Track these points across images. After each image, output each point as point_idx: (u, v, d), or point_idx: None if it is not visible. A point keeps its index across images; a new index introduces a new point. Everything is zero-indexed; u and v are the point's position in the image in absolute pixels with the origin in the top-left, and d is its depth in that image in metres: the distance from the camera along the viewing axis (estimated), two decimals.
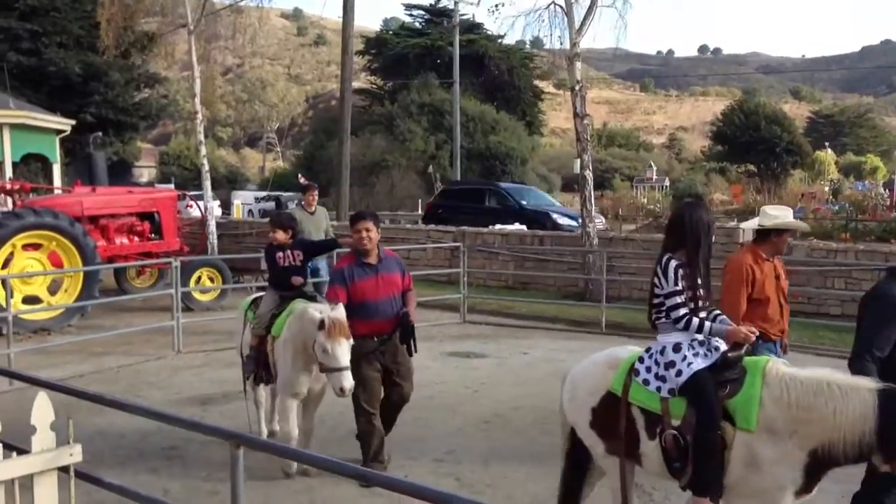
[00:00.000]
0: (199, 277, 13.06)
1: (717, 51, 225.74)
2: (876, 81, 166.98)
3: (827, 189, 43.19)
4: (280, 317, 5.81)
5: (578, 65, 14.10)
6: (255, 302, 6.23)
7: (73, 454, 3.52)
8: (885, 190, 35.24)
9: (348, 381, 5.13)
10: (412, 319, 5.74)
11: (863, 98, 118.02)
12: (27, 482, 3.40)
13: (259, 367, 5.95)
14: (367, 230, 5.74)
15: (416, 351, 5.87)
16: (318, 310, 5.32)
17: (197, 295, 12.81)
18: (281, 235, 6.19)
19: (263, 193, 38.18)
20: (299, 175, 31.27)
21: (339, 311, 5.23)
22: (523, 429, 6.81)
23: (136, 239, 13.22)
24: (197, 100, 17.48)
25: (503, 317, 12.68)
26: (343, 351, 5.13)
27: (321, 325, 5.13)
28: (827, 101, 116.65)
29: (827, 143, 61.20)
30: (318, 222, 11.01)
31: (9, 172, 14.54)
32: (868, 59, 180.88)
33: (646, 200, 40.94)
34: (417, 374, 8.73)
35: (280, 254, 6.16)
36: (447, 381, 8.50)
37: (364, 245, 5.75)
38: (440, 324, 12.00)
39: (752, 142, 45.62)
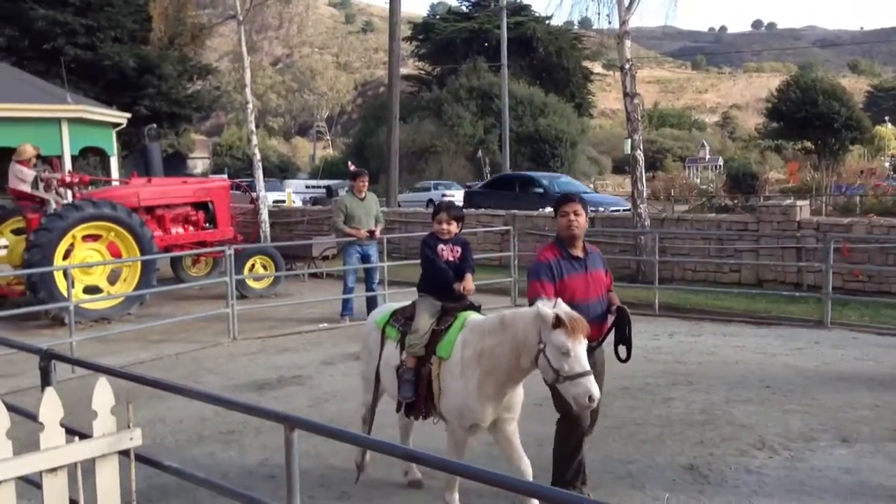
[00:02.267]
0: (253, 265, 13.26)
1: (771, 25, 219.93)
2: None
3: (887, 165, 41.91)
4: (449, 333, 4.66)
5: (628, 43, 13.88)
6: (396, 315, 5.09)
7: (134, 438, 3.60)
8: None
9: (596, 386, 4.15)
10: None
11: None
12: (89, 466, 3.49)
13: (419, 396, 4.73)
14: (576, 213, 4.88)
15: (630, 356, 5.07)
16: (546, 305, 4.24)
17: (251, 282, 13.01)
18: (454, 228, 5.08)
19: (313, 182, 38.54)
20: (349, 162, 31.50)
21: (566, 306, 4.30)
22: None
23: (191, 228, 13.45)
24: (247, 90, 17.69)
25: None
26: (584, 351, 4.20)
27: (557, 322, 4.11)
28: (887, 74, 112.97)
29: (887, 118, 59.36)
30: (369, 208, 11.08)
31: (68, 166, 14.90)
32: None
33: (699, 181, 40.27)
34: None
35: (443, 246, 5.03)
36: None
37: (572, 231, 4.89)
38: (491, 308, 11.92)
39: (809, 118, 44.39)
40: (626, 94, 13.96)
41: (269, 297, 12.94)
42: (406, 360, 4.80)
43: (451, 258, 5.02)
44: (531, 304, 4.48)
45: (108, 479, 3.57)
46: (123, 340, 9.82)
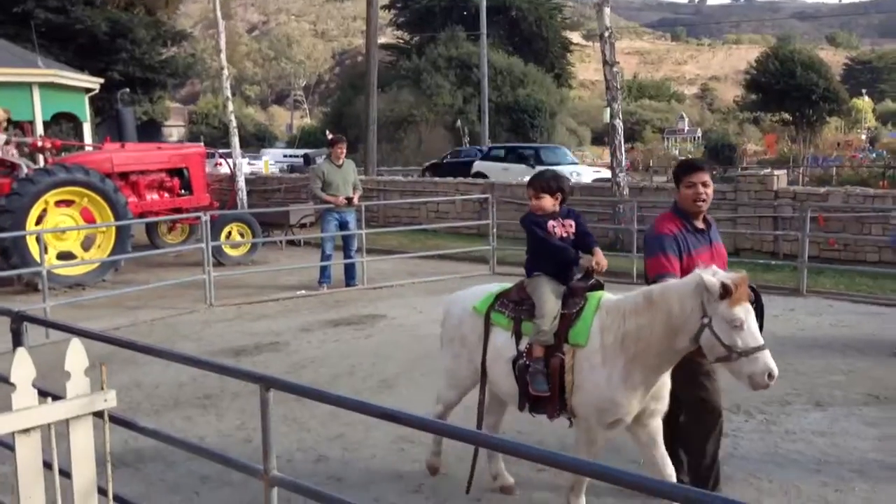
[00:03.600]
0: (230, 232, 13.15)
1: None
2: None
3: (864, 137, 42.27)
4: (583, 317, 4.07)
5: (607, 10, 13.78)
6: (502, 299, 4.44)
7: (108, 399, 3.54)
8: None
9: (772, 361, 3.68)
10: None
11: None
12: (63, 429, 3.45)
13: (553, 387, 4.09)
14: (705, 185, 4.44)
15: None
16: (706, 273, 3.73)
17: (227, 249, 12.91)
18: (548, 202, 4.41)
19: (291, 151, 38.23)
20: (327, 131, 31.27)
21: (725, 273, 3.81)
22: None
23: (166, 195, 13.29)
24: (222, 56, 17.42)
25: None
26: (756, 323, 3.75)
27: (725, 291, 3.62)
28: (864, 46, 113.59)
29: (864, 91, 59.79)
30: (346, 175, 11.00)
31: (39, 131, 14.62)
32: None
33: (677, 152, 40.40)
34: None
35: (553, 222, 4.39)
36: None
37: (699, 206, 4.44)
38: (470, 276, 11.96)
39: (787, 90, 44.56)
40: (605, 63, 13.89)
41: (246, 265, 12.86)
42: (532, 350, 4.13)
43: (564, 234, 4.37)
44: (653, 281, 4.11)
45: (82, 441, 3.52)
46: (98, 307, 9.72)
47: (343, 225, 11.05)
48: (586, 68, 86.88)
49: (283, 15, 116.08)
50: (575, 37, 65.47)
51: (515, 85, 42.02)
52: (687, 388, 4.24)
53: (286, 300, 10.41)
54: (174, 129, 55.20)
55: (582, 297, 4.16)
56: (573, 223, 4.44)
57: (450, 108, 39.77)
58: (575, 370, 4.01)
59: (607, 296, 4.15)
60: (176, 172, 13.48)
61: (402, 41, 53.39)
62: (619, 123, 14.04)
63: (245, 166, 21.43)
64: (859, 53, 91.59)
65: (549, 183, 4.43)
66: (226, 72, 17.68)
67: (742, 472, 4.89)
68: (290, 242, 14.98)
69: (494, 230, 12.47)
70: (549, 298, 4.17)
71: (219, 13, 17.25)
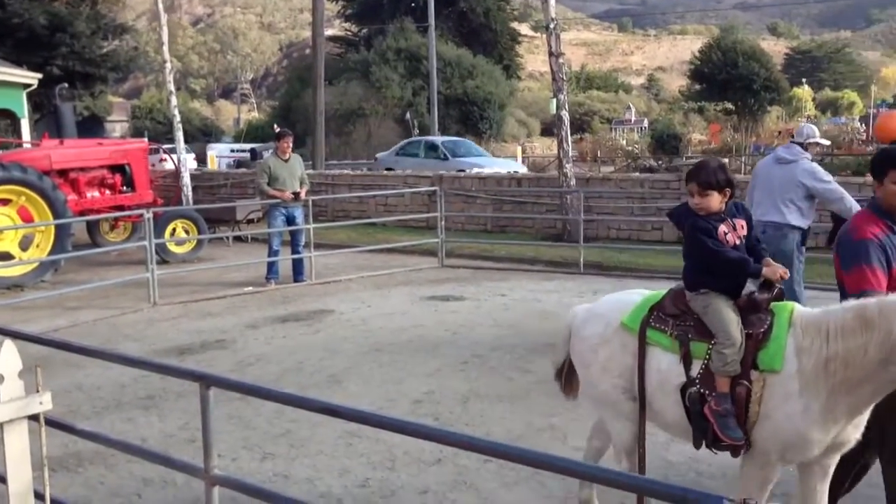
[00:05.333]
0: (174, 229, 12.94)
1: None
2: (853, 15, 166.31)
3: (803, 124, 43.17)
4: (774, 337, 3.43)
5: (552, 2, 13.86)
6: (657, 313, 3.72)
7: (44, 402, 3.47)
8: (861, 124, 35.35)
9: None
10: None
11: (840, 33, 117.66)
12: None
13: (739, 420, 3.45)
14: None
15: None
16: None
17: (172, 247, 12.71)
18: (716, 201, 3.64)
19: (238, 145, 37.74)
20: (275, 125, 30.93)
21: None
22: (501, 368, 6.85)
23: (107, 192, 13.03)
24: (165, 49, 17.10)
25: (481, 260, 12.68)
26: None
27: None
28: (805, 36, 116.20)
29: (804, 80, 61.14)
30: (293, 169, 10.92)
31: None
32: None
33: (625, 142, 40.84)
34: (396, 319, 8.80)
35: (723, 226, 3.65)
36: (426, 324, 8.51)
37: None
38: (418, 269, 11.99)
39: (730, 79, 45.40)
40: (551, 54, 13.99)
41: (192, 262, 12.68)
42: (716, 382, 3.46)
43: (737, 241, 3.66)
44: (857, 296, 3.49)
45: (16, 445, 3.45)
46: (37, 308, 9.50)
47: (290, 220, 10.97)
48: (535, 60, 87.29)
49: (229, 7, 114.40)
50: (523, 28, 65.86)
51: (464, 77, 42.02)
52: (893, 423, 3.52)
53: (233, 297, 10.30)
54: (117, 125, 54.04)
55: (767, 312, 3.52)
56: (744, 223, 3.74)
57: (399, 101, 39.60)
58: (764, 399, 3.39)
59: (799, 310, 3.52)
60: (118, 169, 13.23)
61: (350, 33, 52.97)
62: (565, 114, 14.16)
63: (191, 161, 21.12)
64: (800, 43, 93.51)
65: (717, 175, 3.63)
66: (169, 65, 17.37)
67: None
68: (237, 238, 14.81)
69: (443, 223, 12.49)
70: (731, 321, 3.49)
71: (160, 5, 16.92)
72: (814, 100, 57.10)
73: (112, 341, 8.07)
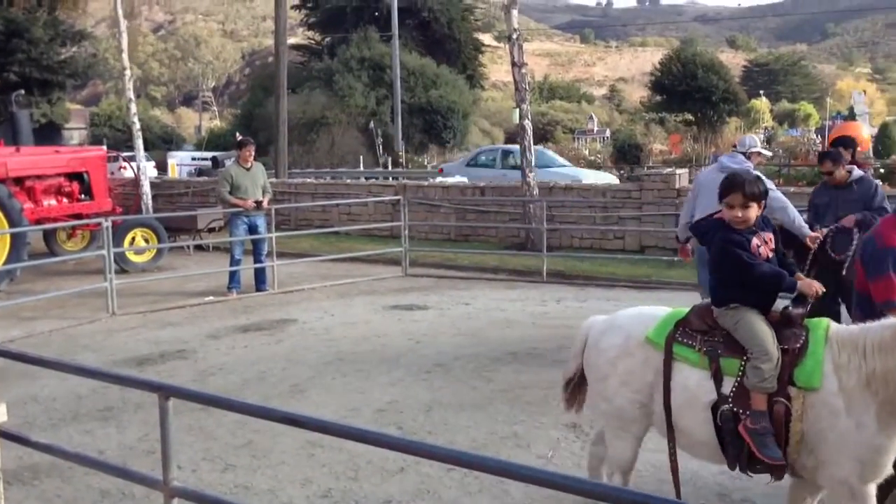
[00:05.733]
0: (133, 238, 12.76)
1: (655, 1, 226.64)
2: (809, 29, 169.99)
3: (762, 136, 43.99)
4: (811, 353, 3.36)
5: (515, 13, 13.98)
6: (683, 328, 3.65)
7: None
8: (816, 136, 36.05)
9: None
10: None
11: (797, 46, 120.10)
12: None
13: (778, 439, 3.36)
14: None
15: None
16: None
17: (131, 256, 12.54)
18: (754, 213, 3.60)
19: (199, 153, 37.37)
20: (237, 133, 30.65)
21: None
22: (464, 377, 6.85)
23: (64, 200, 12.81)
24: (124, 55, 16.88)
25: (445, 269, 12.70)
26: None
27: None
28: (762, 49, 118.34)
29: (762, 92, 62.25)
30: (256, 178, 10.85)
31: None
32: (802, 7, 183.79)
33: (587, 152, 41.18)
34: (359, 328, 8.77)
35: (756, 240, 3.60)
36: (389, 333, 8.49)
37: None
38: (382, 278, 11.97)
39: (690, 91, 46.13)
40: (514, 64, 14.09)
41: (152, 271, 12.51)
42: (751, 399, 3.37)
43: (769, 254, 3.60)
44: (885, 305, 3.53)
45: None
46: None
47: (252, 229, 10.89)
48: (498, 70, 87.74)
49: (190, 14, 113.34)
50: (487, 38, 66.18)
51: (428, 86, 42.10)
52: None
53: (194, 307, 10.18)
54: (75, 132, 53.06)
55: (801, 327, 3.46)
56: (771, 236, 3.66)
57: (363, 110, 39.53)
58: (807, 418, 3.29)
59: (835, 326, 3.45)
60: (75, 177, 13.02)
61: (313, 42, 52.78)
62: (528, 124, 14.25)
63: (150, 169, 20.86)
64: (757, 56, 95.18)
65: (758, 187, 3.58)
66: (128, 72, 17.14)
67: None
68: (198, 247, 14.65)
69: (406, 232, 12.49)
70: (766, 335, 3.41)
71: (120, 12, 16.73)
72: (771, 111, 58.09)
73: (69, 352, 7.92)
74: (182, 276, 12.01)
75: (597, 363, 3.82)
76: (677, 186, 13.40)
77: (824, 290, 3.57)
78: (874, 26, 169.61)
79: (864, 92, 58.51)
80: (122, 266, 11.87)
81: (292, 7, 44.28)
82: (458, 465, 3.55)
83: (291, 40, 46.37)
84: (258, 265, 10.99)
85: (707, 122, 45.50)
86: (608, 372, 3.75)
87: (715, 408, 3.46)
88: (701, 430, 3.53)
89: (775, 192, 6.59)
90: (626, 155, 32.26)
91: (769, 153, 9.19)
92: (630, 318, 3.86)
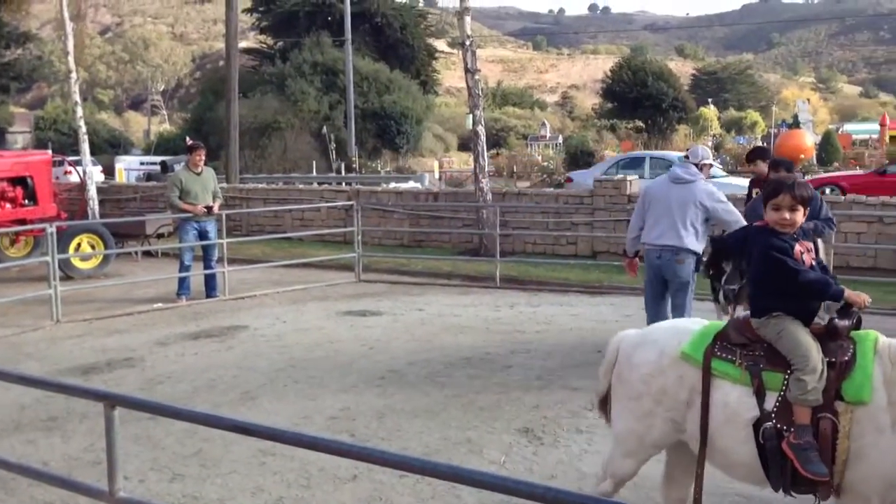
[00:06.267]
0: (79, 244, 12.48)
1: (606, 9, 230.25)
2: (756, 39, 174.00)
3: (710, 143, 44.83)
4: (860, 366, 3.22)
5: (468, 19, 14.04)
6: (721, 342, 3.48)
7: None
8: (763, 143, 36.87)
9: None
10: None
11: (743, 55, 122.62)
12: None
13: (825, 458, 3.22)
14: None
15: None
16: None
17: (77, 262, 12.25)
18: (801, 218, 3.48)
19: (148, 158, 36.78)
20: (187, 138, 30.25)
21: None
22: (417, 383, 6.83)
23: (7, 205, 12.49)
24: (70, 58, 16.54)
25: (398, 275, 12.66)
26: None
27: None
28: (710, 58, 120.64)
29: (710, 100, 63.43)
30: (206, 183, 10.70)
31: None
32: (748, 16, 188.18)
33: (540, 158, 41.53)
34: (311, 334, 8.70)
35: (799, 246, 3.47)
36: (342, 339, 8.44)
37: None
38: (335, 284, 11.89)
39: (640, 98, 46.95)
40: (467, 70, 14.14)
41: (98, 278, 12.24)
42: (795, 413, 3.22)
43: (812, 262, 3.48)
44: None
45: None
46: None
47: (203, 234, 10.73)
48: (452, 76, 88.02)
49: (139, 17, 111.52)
50: (440, 44, 66.28)
51: (381, 91, 42.05)
52: None
53: (141, 314, 9.98)
54: (19, 136, 51.77)
55: (848, 339, 3.32)
56: (811, 245, 3.56)
57: (316, 115, 39.31)
58: (853, 435, 3.13)
59: (883, 339, 3.31)
60: (19, 181, 12.71)
61: (265, 46, 52.34)
62: (481, 130, 14.31)
63: (97, 174, 20.45)
64: (705, 64, 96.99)
65: (807, 190, 3.47)
66: (74, 75, 16.81)
67: None
68: (147, 254, 14.39)
69: (360, 237, 12.43)
70: (809, 345, 3.26)
71: (66, 13, 16.40)
72: (719, 119, 59.23)
73: (12, 360, 7.70)
74: (129, 283, 11.79)
75: (629, 379, 3.63)
76: (628, 192, 13.56)
77: (870, 300, 3.44)
78: (817, 36, 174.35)
79: (808, 100, 60.05)
80: (68, 273, 11.61)
81: (244, 10, 43.88)
82: (410, 472, 3.54)
83: (243, 44, 45.94)
84: (208, 271, 10.84)
85: (657, 129, 46.29)
86: (641, 390, 3.57)
87: (757, 425, 3.30)
88: (741, 450, 3.35)
89: (728, 205, 6.60)
90: (578, 160, 32.62)
91: (719, 165, 9.38)
92: (663, 331, 3.73)
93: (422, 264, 13.21)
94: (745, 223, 6.33)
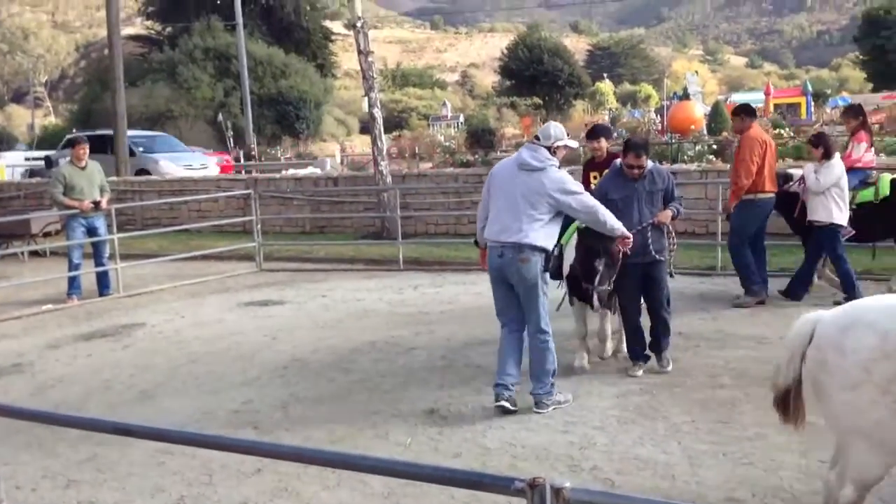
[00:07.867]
0: None
1: None
2: (646, 14, 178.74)
3: (606, 117, 45.83)
4: None
5: (358, 1, 13.88)
6: None
7: None
8: (656, 116, 37.90)
9: None
10: None
11: (635, 30, 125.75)
12: None
13: None
14: None
15: None
16: None
17: None
18: None
19: (33, 153, 35.08)
20: (73, 130, 29.00)
21: None
22: (322, 370, 6.78)
23: None
24: None
25: (301, 262, 12.50)
26: None
27: None
28: (604, 34, 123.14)
29: (605, 75, 64.88)
30: (92, 177, 10.29)
31: None
32: None
33: (442, 138, 41.64)
34: (212, 328, 8.51)
35: None
36: (244, 331, 8.29)
37: None
38: (236, 274, 11.66)
39: (537, 75, 47.61)
40: (360, 52, 14.01)
41: None
42: None
43: None
44: None
45: None
46: None
47: (91, 231, 10.33)
48: (350, 58, 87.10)
49: (16, 6, 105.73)
50: (336, 26, 65.42)
51: (277, 76, 41.28)
52: None
53: (30, 317, 9.55)
54: None
55: None
56: None
57: (210, 102, 38.31)
58: None
59: None
60: None
61: (153, 32, 50.54)
62: (377, 112, 14.21)
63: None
64: (599, 40, 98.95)
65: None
66: None
67: None
68: (33, 253, 13.76)
69: (259, 226, 12.21)
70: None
71: None
72: (615, 93, 60.60)
73: None
74: (16, 285, 11.24)
75: (842, 367, 3.16)
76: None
77: None
78: (704, 10, 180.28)
79: (697, 73, 62.00)
80: None
81: None
82: (300, 462, 3.50)
83: (129, 30, 44.30)
84: (99, 269, 10.45)
85: (555, 105, 47.02)
86: (861, 379, 3.11)
87: None
88: None
89: (582, 196, 5.56)
90: (479, 139, 32.77)
91: (576, 144, 8.48)
92: (882, 311, 3.20)
93: (324, 250, 13.08)
94: (604, 214, 5.60)
